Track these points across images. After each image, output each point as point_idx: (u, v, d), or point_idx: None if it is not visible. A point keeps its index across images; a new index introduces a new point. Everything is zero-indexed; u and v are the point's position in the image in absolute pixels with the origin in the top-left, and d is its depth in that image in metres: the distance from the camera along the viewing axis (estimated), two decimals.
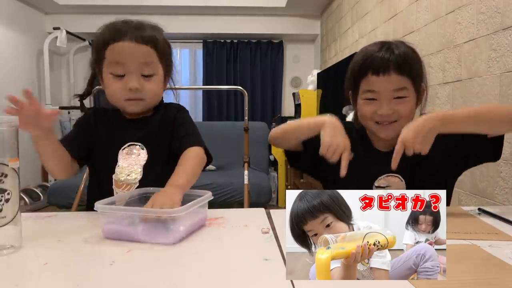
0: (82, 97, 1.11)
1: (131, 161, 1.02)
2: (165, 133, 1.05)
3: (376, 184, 1.02)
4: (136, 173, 1.02)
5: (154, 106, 1.07)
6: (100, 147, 1.04)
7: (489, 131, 0.94)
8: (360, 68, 1.01)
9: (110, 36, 0.97)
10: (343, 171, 0.92)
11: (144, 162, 1.02)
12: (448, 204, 1.08)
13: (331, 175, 1.06)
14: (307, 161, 1.11)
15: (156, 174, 1.00)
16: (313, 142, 1.01)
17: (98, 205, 0.75)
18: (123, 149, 1.03)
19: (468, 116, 0.92)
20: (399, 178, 1.01)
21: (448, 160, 1.02)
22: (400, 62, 0.96)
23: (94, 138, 1.05)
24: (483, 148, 0.98)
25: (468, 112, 0.94)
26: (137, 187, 1.00)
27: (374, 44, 1.02)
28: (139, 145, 1.03)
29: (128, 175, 1.01)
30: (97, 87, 1.09)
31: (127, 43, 0.95)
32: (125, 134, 1.04)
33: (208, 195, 0.85)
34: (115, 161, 1.02)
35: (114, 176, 1.01)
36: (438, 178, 1.01)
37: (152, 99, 1.03)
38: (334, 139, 0.93)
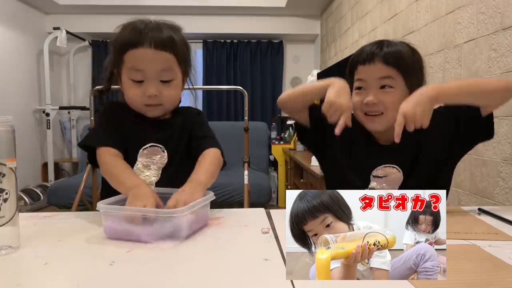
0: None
1: (150, 162, 1.03)
2: (185, 136, 1.07)
3: (374, 173, 1.03)
4: (154, 175, 1.02)
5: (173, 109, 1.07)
6: (125, 142, 1.03)
7: (481, 102, 0.97)
8: (352, 62, 1.06)
9: (129, 41, 0.96)
10: (337, 130, 0.93)
11: (164, 164, 1.03)
12: (446, 196, 1.09)
13: (329, 157, 1.11)
14: (313, 136, 1.13)
15: (170, 175, 1.01)
16: (320, 119, 1.03)
17: (100, 205, 0.76)
18: (144, 149, 1.03)
19: (461, 86, 0.96)
20: (396, 168, 1.03)
21: (444, 151, 1.03)
22: (387, 54, 0.99)
23: (122, 130, 1.03)
24: (475, 127, 0.99)
25: (461, 83, 1.01)
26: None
27: (371, 42, 1.05)
28: (161, 147, 1.04)
29: (147, 175, 1.02)
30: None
31: (147, 50, 0.95)
32: (147, 134, 1.04)
33: (210, 195, 0.86)
34: (134, 160, 1.02)
35: None
36: (436, 168, 1.03)
37: (171, 104, 1.04)
38: (337, 99, 0.95)
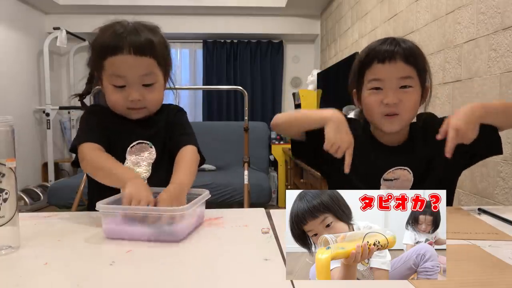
0: (81, 96, 1.10)
1: (140, 159, 1.03)
2: (169, 132, 1.07)
3: (384, 177, 1.02)
4: (145, 171, 1.03)
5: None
6: (109, 143, 1.03)
7: (509, 124, 1.01)
8: (365, 59, 1.01)
9: (108, 47, 0.95)
10: (346, 169, 0.92)
11: (153, 160, 1.04)
12: (451, 202, 1.09)
13: (336, 170, 1.04)
14: (309, 152, 1.10)
15: (164, 171, 1.01)
16: (316, 134, 1.00)
17: (100, 205, 0.75)
18: (131, 147, 1.04)
19: (501, 108, 0.99)
20: (407, 170, 1.01)
21: (459, 157, 0.99)
22: (406, 52, 0.97)
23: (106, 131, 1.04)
24: (492, 143, 1.02)
25: (500, 104, 1.03)
26: None
27: (378, 40, 1.03)
28: (148, 143, 1.04)
29: (137, 171, 1.02)
30: (97, 87, 1.08)
31: (126, 57, 0.94)
32: (133, 132, 1.04)
33: (206, 193, 0.86)
34: (123, 158, 1.02)
35: None
36: (448, 174, 1.03)
37: (155, 107, 1.05)
38: (338, 136, 0.94)
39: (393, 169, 1.01)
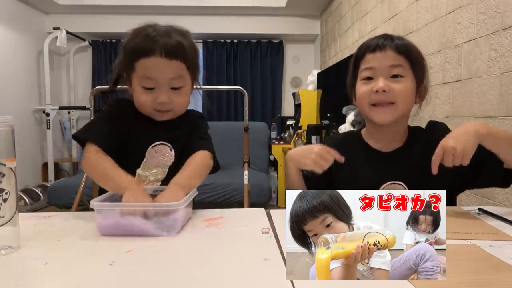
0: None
1: (159, 160, 1.05)
2: (189, 137, 1.09)
3: None
4: (161, 173, 1.05)
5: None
6: (129, 140, 1.04)
7: None
8: (358, 52, 1.03)
9: (141, 49, 0.96)
10: (339, 157, 0.95)
11: (171, 162, 1.06)
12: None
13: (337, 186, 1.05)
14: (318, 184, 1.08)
15: (176, 173, 1.01)
16: (311, 176, 1.02)
17: (94, 202, 0.77)
18: (153, 146, 1.05)
19: (507, 137, 0.89)
20: (402, 185, 0.99)
21: (457, 177, 0.96)
22: (398, 43, 0.98)
23: (125, 130, 1.04)
24: (497, 172, 0.94)
25: (507, 134, 0.91)
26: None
27: (376, 36, 1.04)
28: (169, 146, 1.06)
29: (154, 172, 1.04)
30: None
31: (158, 59, 0.96)
32: (155, 133, 1.05)
33: (194, 191, 0.90)
34: (142, 157, 1.04)
35: (138, 171, 1.03)
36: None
37: (181, 110, 1.06)
38: (305, 156, 0.97)
39: (386, 184, 0.99)
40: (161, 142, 1.05)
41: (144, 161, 1.04)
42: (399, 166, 1.01)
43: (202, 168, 1.00)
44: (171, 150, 1.06)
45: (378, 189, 0.99)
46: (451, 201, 1.04)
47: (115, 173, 0.91)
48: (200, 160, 1.00)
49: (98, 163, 0.94)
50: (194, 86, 1.09)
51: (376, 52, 0.98)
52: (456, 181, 0.96)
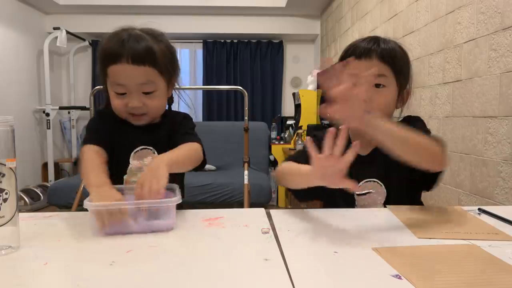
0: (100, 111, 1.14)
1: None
2: (173, 137, 1.08)
3: (357, 192, 0.99)
4: None
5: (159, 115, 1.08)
6: (114, 147, 1.05)
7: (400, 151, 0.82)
8: (344, 55, 1.01)
9: (110, 55, 0.97)
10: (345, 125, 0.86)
11: None
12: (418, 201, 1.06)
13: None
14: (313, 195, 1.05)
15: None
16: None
17: (87, 202, 0.76)
18: (135, 152, 1.05)
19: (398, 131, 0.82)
20: (377, 182, 0.99)
21: (410, 172, 0.90)
22: (384, 52, 0.96)
23: (110, 138, 1.05)
24: (425, 175, 0.90)
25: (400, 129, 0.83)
26: None
27: (362, 38, 1.02)
28: (151, 149, 1.06)
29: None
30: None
31: (125, 66, 0.95)
32: (137, 138, 1.06)
33: (175, 186, 0.89)
34: (127, 163, 1.05)
35: (125, 177, 1.04)
36: (407, 186, 0.99)
37: (156, 113, 1.06)
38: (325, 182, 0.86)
39: (362, 182, 0.98)
40: (143, 147, 1.05)
41: (129, 167, 1.04)
42: (375, 164, 1.00)
43: (190, 151, 0.99)
44: (154, 153, 1.06)
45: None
46: (414, 200, 1.02)
47: (91, 172, 0.90)
48: (188, 146, 1.00)
49: (85, 160, 0.95)
50: (177, 86, 1.09)
51: (361, 59, 0.97)
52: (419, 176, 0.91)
